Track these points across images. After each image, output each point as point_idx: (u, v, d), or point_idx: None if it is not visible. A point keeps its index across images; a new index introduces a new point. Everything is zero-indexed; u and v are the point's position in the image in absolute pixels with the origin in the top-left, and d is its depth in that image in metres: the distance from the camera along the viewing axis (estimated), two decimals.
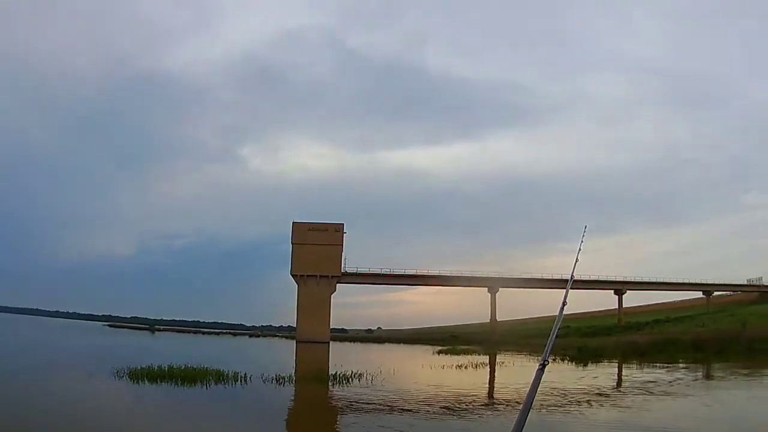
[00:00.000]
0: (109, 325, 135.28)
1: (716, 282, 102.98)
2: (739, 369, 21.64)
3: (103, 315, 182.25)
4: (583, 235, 2.36)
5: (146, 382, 23.23)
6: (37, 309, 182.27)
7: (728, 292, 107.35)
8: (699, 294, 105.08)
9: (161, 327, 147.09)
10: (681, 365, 26.82)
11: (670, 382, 21.15)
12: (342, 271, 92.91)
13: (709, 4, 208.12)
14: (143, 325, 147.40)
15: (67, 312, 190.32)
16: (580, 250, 1.42)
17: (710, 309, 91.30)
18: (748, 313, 54.20)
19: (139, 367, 25.23)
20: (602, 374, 27.35)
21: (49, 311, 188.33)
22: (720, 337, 32.48)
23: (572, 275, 1.36)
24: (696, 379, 21.36)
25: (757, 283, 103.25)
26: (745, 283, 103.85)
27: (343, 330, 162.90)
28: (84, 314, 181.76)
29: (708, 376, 21.83)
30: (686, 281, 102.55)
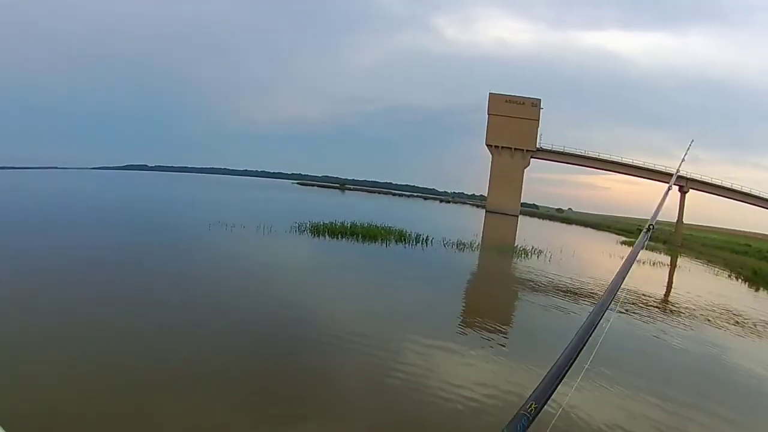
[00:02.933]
0: (299, 183, 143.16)
1: None
2: None
3: (293, 173, 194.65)
4: (688, 149, 2.04)
5: (326, 236, 24.32)
6: (224, 168, 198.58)
7: None
8: None
9: (352, 186, 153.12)
10: None
11: None
12: (537, 146, 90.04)
13: None
14: (334, 184, 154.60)
15: (256, 171, 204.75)
16: (683, 160, 0.82)
17: None
18: None
19: (321, 223, 26.46)
20: None
21: (237, 170, 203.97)
22: None
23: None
24: None
25: None
26: None
27: (534, 206, 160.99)
28: (273, 173, 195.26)
29: None
30: None
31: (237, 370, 6.98)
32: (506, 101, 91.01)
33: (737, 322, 16.00)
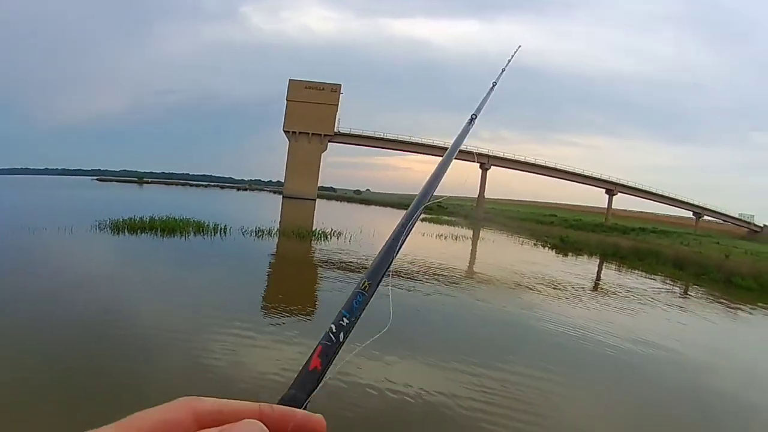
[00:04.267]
0: (98, 179, 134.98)
1: (708, 207, 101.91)
2: (717, 297, 21.95)
3: (92, 170, 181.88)
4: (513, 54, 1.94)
5: (126, 233, 23.48)
6: (24, 168, 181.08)
7: (718, 220, 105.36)
8: (688, 214, 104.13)
9: (150, 180, 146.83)
10: (658, 277, 27.28)
11: (649, 290, 21.43)
12: (335, 130, 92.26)
13: None
14: (132, 179, 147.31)
15: (56, 169, 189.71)
16: (466, 132, 1.10)
17: (697, 231, 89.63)
18: (733, 245, 54.30)
19: (120, 219, 25.41)
20: (582, 268, 27.83)
21: (38, 169, 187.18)
22: (702, 261, 32.14)
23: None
24: (675, 295, 21.79)
25: (749, 220, 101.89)
26: (737, 216, 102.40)
27: (331, 189, 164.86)
28: (72, 170, 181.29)
29: (685, 295, 22.25)
30: (679, 198, 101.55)
31: (55, 378, 6.97)
32: (306, 87, 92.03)
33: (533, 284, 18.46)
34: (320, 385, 0.53)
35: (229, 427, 0.41)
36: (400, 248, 0.71)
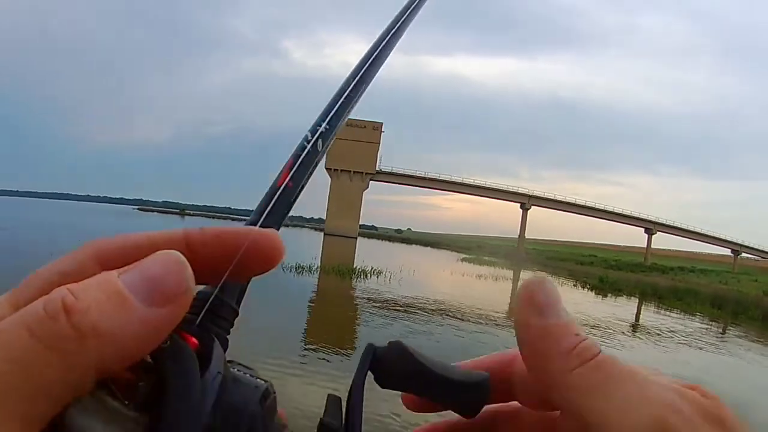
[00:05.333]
0: (139, 209, 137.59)
1: (747, 244, 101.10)
2: (755, 336, 21.41)
3: (134, 199, 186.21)
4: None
5: None
6: (66, 193, 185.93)
7: (757, 257, 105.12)
8: (726, 252, 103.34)
9: (192, 212, 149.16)
10: (697, 317, 26.56)
11: (688, 330, 21.12)
12: (377, 169, 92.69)
13: None
14: (173, 210, 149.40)
15: (98, 196, 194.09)
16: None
17: (735, 269, 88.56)
18: None
19: None
20: (620, 308, 27.13)
21: (79, 195, 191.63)
22: (740, 299, 31.49)
23: None
24: (714, 334, 21.27)
25: None
26: None
27: (372, 227, 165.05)
28: (115, 198, 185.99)
29: (723, 333, 21.69)
30: (718, 235, 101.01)
31: None
32: (347, 124, 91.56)
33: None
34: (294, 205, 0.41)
35: (134, 265, 0.29)
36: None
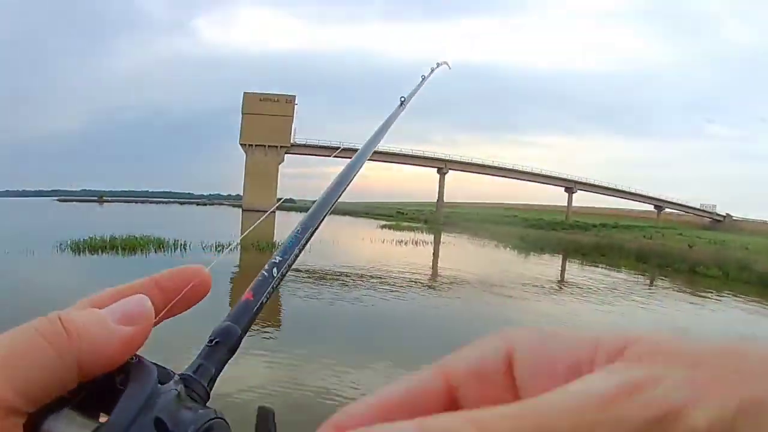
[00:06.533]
0: (59, 200, 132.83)
1: (669, 199, 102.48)
2: (682, 287, 23.01)
3: (52, 190, 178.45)
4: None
5: (87, 253, 23.67)
6: None
7: (679, 212, 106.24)
8: (650, 207, 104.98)
9: (110, 198, 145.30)
10: (623, 271, 28.10)
11: (614, 282, 22.54)
12: (291, 142, 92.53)
13: None
14: (92, 198, 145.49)
15: (16, 191, 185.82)
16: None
17: (659, 224, 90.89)
18: (696, 235, 55.20)
19: (81, 239, 25.46)
20: (543, 267, 28.76)
21: None
22: (665, 252, 32.47)
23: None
24: (639, 285, 23.03)
25: (710, 210, 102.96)
26: (698, 207, 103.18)
27: (290, 200, 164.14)
28: (33, 191, 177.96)
29: (651, 285, 23.45)
30: (639, 191, 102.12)
31: None
32: (260, 99, 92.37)
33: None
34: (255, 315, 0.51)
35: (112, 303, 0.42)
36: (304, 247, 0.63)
